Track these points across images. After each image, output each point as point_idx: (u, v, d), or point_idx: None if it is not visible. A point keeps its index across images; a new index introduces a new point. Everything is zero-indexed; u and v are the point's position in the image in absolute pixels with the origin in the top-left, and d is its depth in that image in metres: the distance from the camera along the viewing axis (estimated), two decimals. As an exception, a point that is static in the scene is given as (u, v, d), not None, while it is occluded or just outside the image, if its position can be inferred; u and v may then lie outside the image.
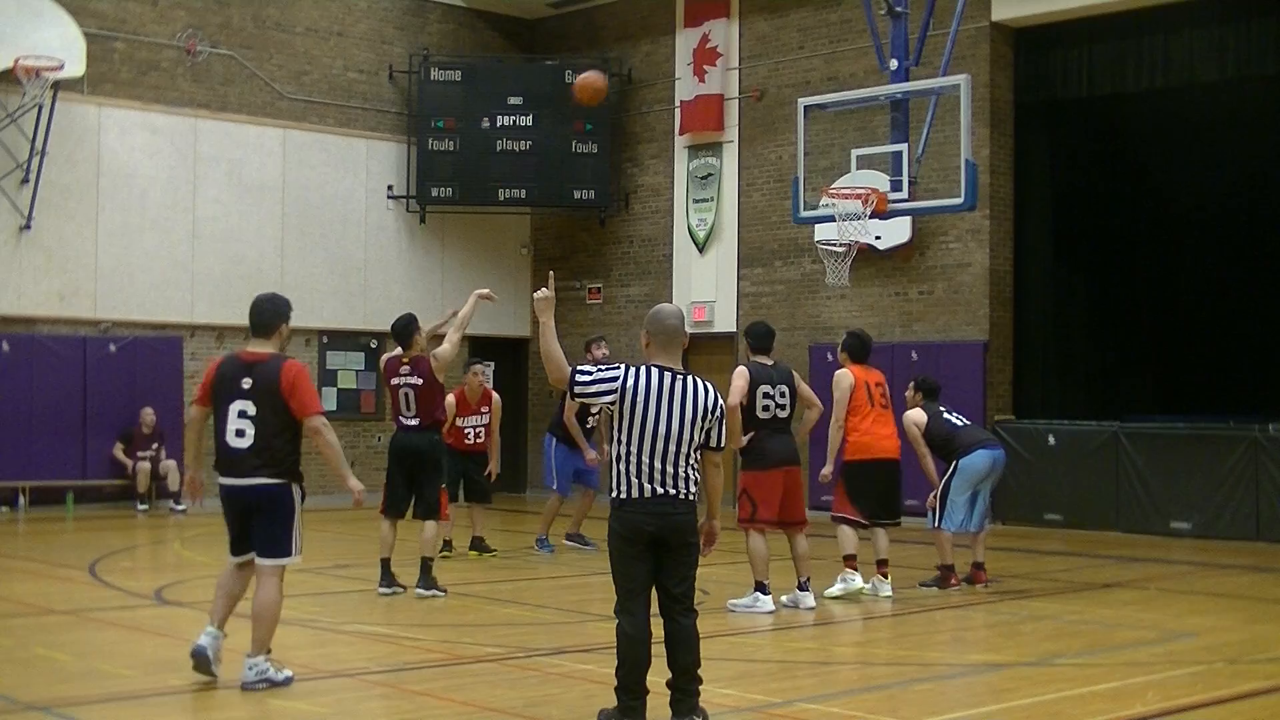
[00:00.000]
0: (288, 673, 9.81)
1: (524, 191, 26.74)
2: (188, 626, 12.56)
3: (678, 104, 26.30)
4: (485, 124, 26.54)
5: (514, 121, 26.60)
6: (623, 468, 8.45)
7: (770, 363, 14.59)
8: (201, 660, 9.65)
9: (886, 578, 14.61)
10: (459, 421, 17.55)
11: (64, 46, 22.43)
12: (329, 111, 26.32)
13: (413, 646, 11.56)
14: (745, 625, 12.79)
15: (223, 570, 10.10)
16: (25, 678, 9.96)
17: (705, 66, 25.80)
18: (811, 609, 13.61)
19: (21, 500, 22.90)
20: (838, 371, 15.26)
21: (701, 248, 25.97)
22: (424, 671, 10.48)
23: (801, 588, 13.79)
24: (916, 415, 15.43)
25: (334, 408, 26.02)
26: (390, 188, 26.92)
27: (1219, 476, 20.18)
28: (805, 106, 19.23)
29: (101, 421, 23.47)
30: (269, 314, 10.03)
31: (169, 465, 23.45)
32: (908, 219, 21.82)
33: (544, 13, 28.59)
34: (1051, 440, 21.80)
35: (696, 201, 26.12)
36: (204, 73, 24.95)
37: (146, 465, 23.28)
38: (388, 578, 14.40)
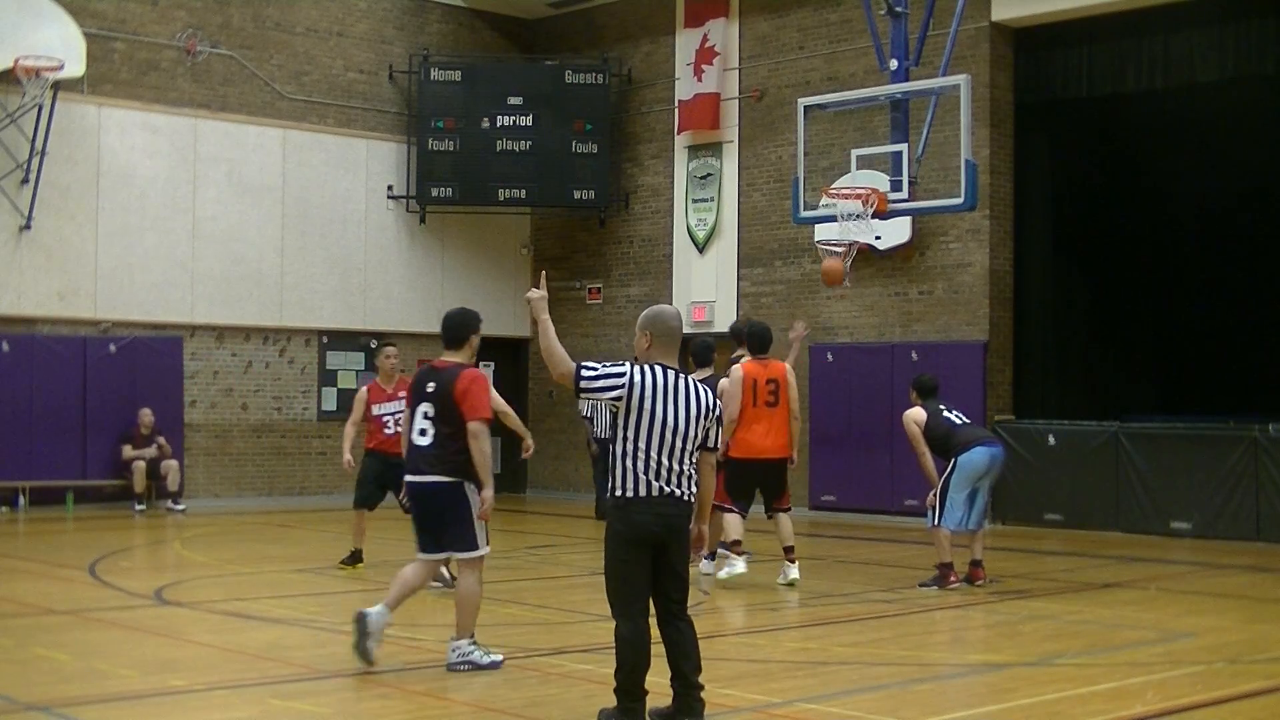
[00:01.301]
0: (495, 656, 10.48)
1: (524, 191, 26.74)
2: (188, 626, 12.59)
3: (677, 104, 26.29)
4: (485, 124, 26.54)
5: (514, 121, 26.59)
6: (629, 464, 8.39)
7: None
8: (360, 622, 10.20)
9: (794, 563, 15.24)
10: (374, 409, 16.14)
11: (64, 46, 22.43)
12: (329, 111, 26.32)
13: (413, 646, 11.55)
14: (744, 625, 12.78)
15: (410, 562, 10.77)
16: (25, 678, 9.96)
17: (704, 66, 25.80)
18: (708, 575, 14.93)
19: (21, 500, 22.91)
20: (733, 367, 15.39)
21: (701, 248, 25.97)
22: (425, 671, 10.47)
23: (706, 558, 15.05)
24: (915, 414, 15.41)
25: (334, 408, 26.05)
26: (390, 188, 26.92)
27: (1219, 476, 20.18)
28: (805, 106, 19.22)
29: (101, 422, 23.48)
30: (458, 327, 10.79)
31: (170, 465, 23.46)
32: (908, 219, 21.82)
33: (544, 13, 28.59)
34: (1051, 440, 21.80)
35: (696, 201, 26.12)
36: (204, 73, 24.95)
37: (143, 465, 23.27)
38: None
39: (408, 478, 10.62)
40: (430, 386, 10.48)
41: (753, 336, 15.44)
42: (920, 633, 12.92)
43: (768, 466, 15.20)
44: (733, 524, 15.06)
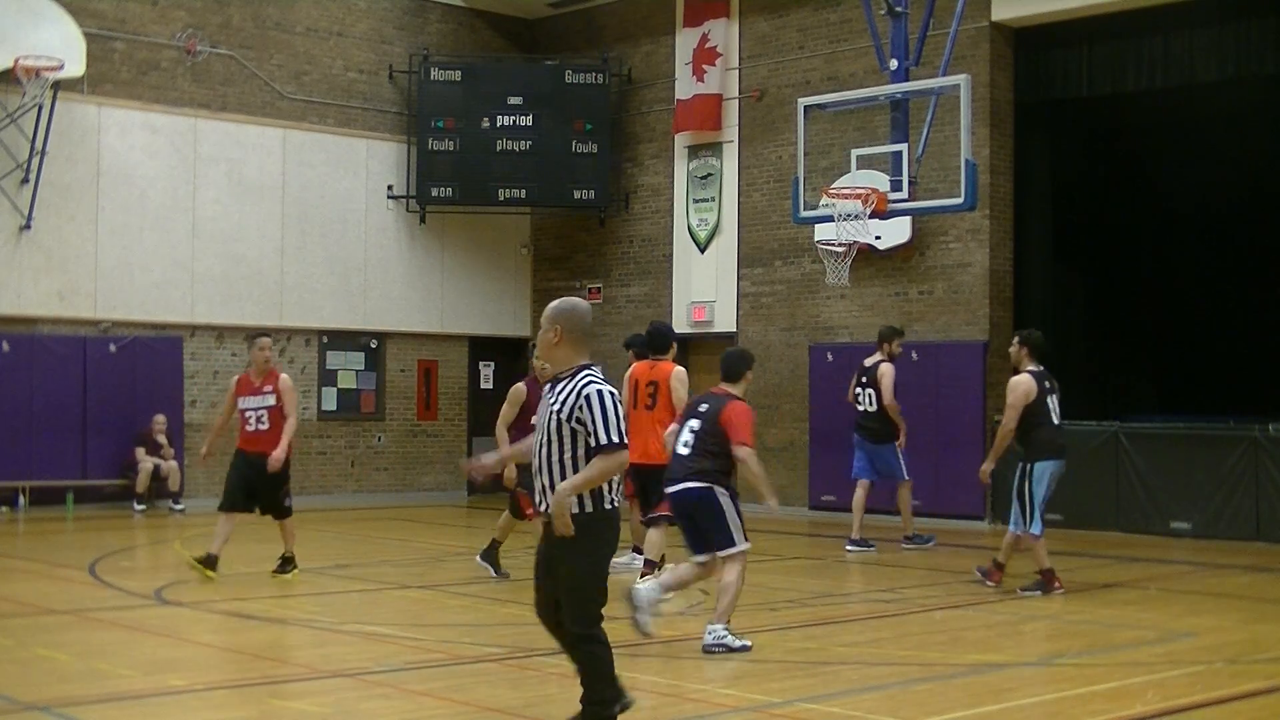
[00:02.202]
0: (745, 641, 11.26)
1: (524, 191, 26.73)
2: (188, 626, 12.60)
3: (676, 104, 26.28)
4: (485, 124, 26.53)
5: (514, 121, 26.58)
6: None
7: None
8: (631, 598, 10.32)
9: (645, 577, 13.78)
10: (240, 403, 15.23)
11: (64, 46, 22.42)
12: (329, 111, 26.32)
13: (413, 646, 11.56)
14: (744, 625, 12.78)
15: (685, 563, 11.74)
16: (25, 677, 9.97)
17: (705, 66, 25.79)
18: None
19: (21, 500, 22.90)
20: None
21: (702, 248, 25.97)
22: (424, 671, 10.48)
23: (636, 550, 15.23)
24: (1028, 385, 14.92)
25: (334, 408, 26.07)
26: (390, 188, 26.91)
27: (1219, 476, 20.17)
28: (805, 106, 19.25)
29: (101, 422, 23.48)
30: (736, 364, 12.17)
31: (170, 466, 23.48)
32: (908, 219, 21.82)
33: (544, 12, 28.59)
34: (1051, 440, 21.77)
35: (697, 201, 26.11)
36: (204, 73, 24.94)
37: (149, 466, 23.31)
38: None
39: (670, 487, 11.75)
40: (703, 407, 11.87)
41: (651, 336, 15.09)
42: (920, 632, 12.92)
43: (644, 472, 14.35)
44: (651, 540, 14.55)
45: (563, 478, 7.93)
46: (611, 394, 7.96)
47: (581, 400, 7.89)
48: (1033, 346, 15.14)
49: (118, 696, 9.48)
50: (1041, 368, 15.21)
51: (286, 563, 15.50)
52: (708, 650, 11.14)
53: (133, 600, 13.93)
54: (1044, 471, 14.82)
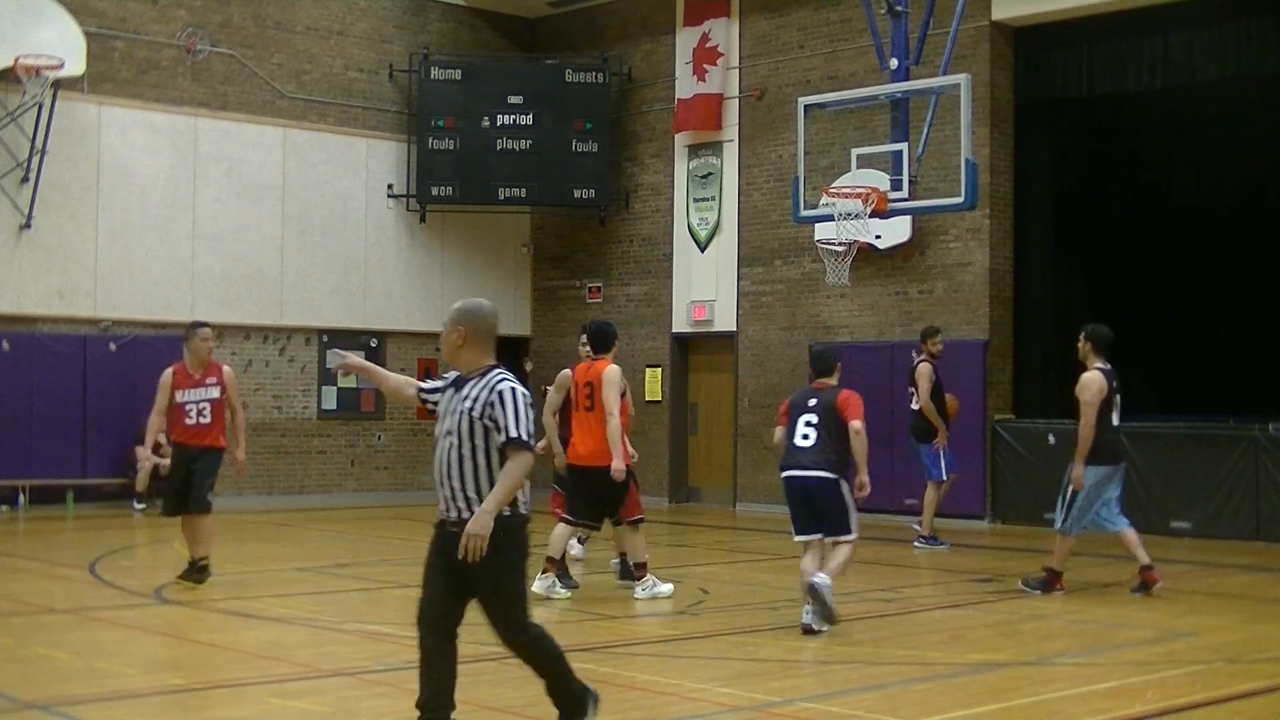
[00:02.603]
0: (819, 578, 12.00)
1: (524, 190, 26.74)
2: (188, 626, 12.60)
3: (676, 103, 26.29)
4: (485, 123, 26.54)
5: (514, 120, 26.59)
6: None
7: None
8: (815, 591, 11.88)
9: (547, 574, 13.99)
10: (177, 396, 14.66)
11: (64, 45, 22.42)
12: (329, 110, 26.32)
13: (413, 645, 11.52)
14: (744, 624, 12.78)
15: (803, 556, 12.53)
16: (26, 676, 9.97)
17: (705, 66, 25.79)
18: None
19: (21, 499, 22.92)
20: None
21: (703, 247, 25.97)
22: (424, 670, 10.46)
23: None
24: (1099, 381, 14.65)
25: (333, 406, 26.07)
26: (390, 187, 26.91)
27: (1219, 476, 20.16)
28: (805, 106, 19.24)
29: (102, 421, 23.47)
30: (830, 361, 13.00)
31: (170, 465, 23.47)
32: (908, 218, 21.82)
33: (544, 11, 28.59)
34: (1052, 440, 21.77)
35: (697, 200, 26.11)
36: (204, 72, 24.95)
37: (149, 465, 23.28)
38: None
39: (791, 473, 12.50)
40: (812, 401, 12.67)
41: (591, 335, 14.49)
42: (920, 632, 12.92)
43: (588, 475, 14.02)
44: (556, 535, 14.14)
45: (475, 478, 7.68)
46: (524, 394, 7.73)
47: (494, 396, 7.66)
48: (1098, 341, 14.85)
49: (118, 695, 9.48)
50: (1109, 365, 15.06)
51: (199, 570, 14.50)
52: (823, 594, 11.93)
53: (133, 599, 13.93)
54: (1099, 476, 14.64)
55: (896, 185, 18.11)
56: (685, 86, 26.10)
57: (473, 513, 7.64)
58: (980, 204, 20.27)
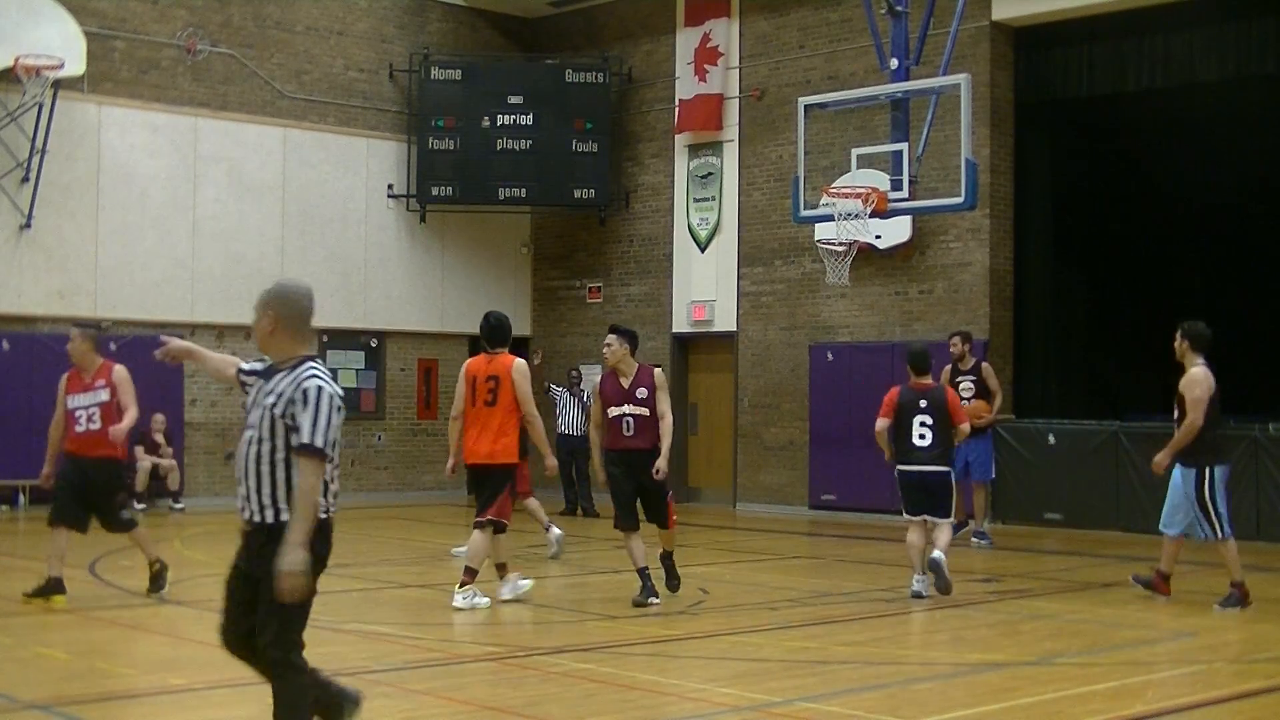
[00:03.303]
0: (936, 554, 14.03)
1: (524, 190, 26.75)
2: (188, 625, 12.60)
3: (677, 103, 26.29)
4: (485, 123, 26.55)
5: (514, 120, 26.60)
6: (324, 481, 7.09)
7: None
8: (937, 565, 14.01)
9: (502, 578, 13.80)
10: (68, 402, 13.54)
11: (64, 45, 22.43)
12: (329, 110, 26.32)
13: (413, 645, 11.56)
14: (744, 624, 12.78)
15: (910, 531, 14.46)
16: (25, 676, 9.97)
17: (706, 66, 25.80)
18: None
19: (21, 499, 22.94)
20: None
21: (703, 247, 25.97)
22: (425, 670, 10.48)
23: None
24: (1208, 378, 13.95)
25: (334, 406, 26.05)
26: (390, 186, 26.92)
27: (1220, 476, 20.14)
28: (805, 106, 19.25)
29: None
30: (928, 360, 14.80)
31: (169, 465, 23.51)
32: (908, 218, 21.82)
33: (544, 11, 28.59)
34: (1052, 439, 21.79)
35: (697, 200, 26.12)
36: (204, 72, 24.95)
37: (147, 465, 23.33)
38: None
39: (911, 468, 14.31)
40: (923, 403, 14.39)
41: (491, 328, 13.92)
42: (920, 632, 12.93)
43: (481, 472, 13.61)
44: (474, 545, 13.58)
45: (271, 481, 6.93)
46: (332, 396, 6.96)
47: (299, 394, 6.90)
48: (1195, 339, 14.21)
49: (118, 695, 9.48)
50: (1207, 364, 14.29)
51: (156, 575, 13.89)
52: (935, 564, 14.01)
53: (132, 599, 13.92)
54: (1223, 476, 14.00)
55: (897, 185, 18.11)
56: (686, 87, 26.10)
57: (265, 519, 6.96)
58: (980, 204, 20.28)
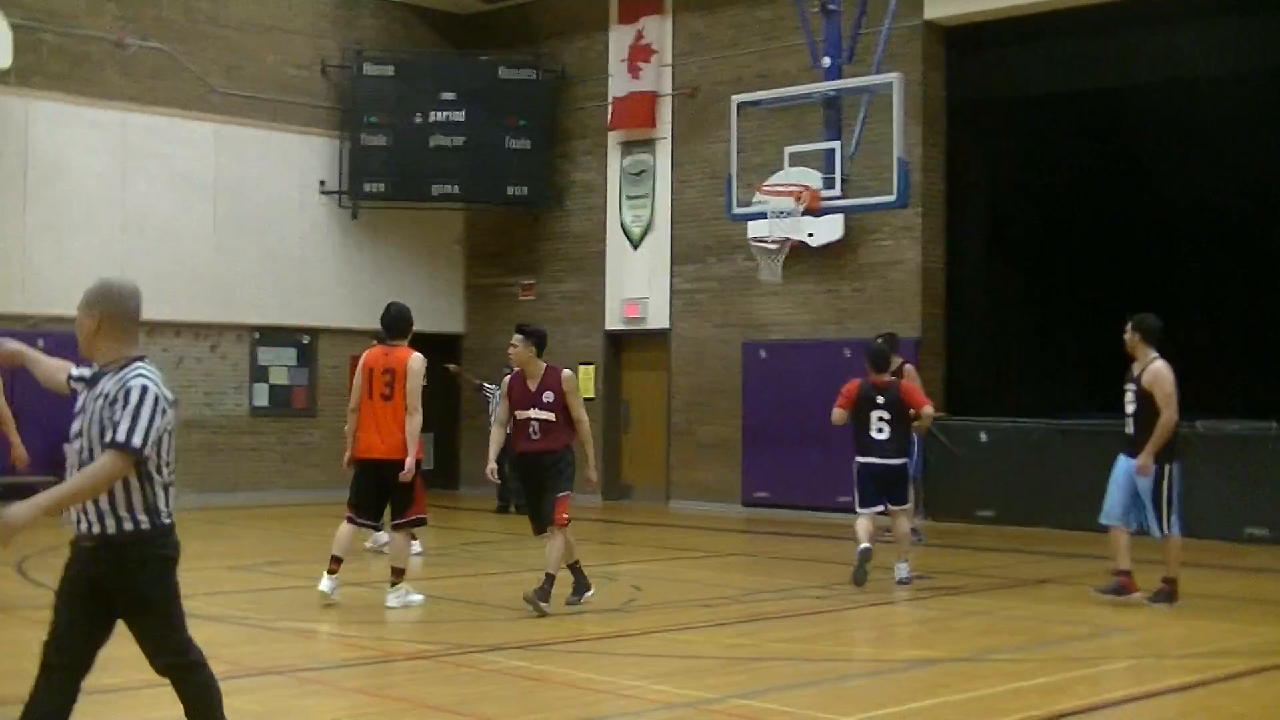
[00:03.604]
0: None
1: (457, 187, 26.68)
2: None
3: (611, 100, 26.28)
4: (418, 119, 26.46)
5: (447, 117, 26.52)
6: (159, 488, 6.76)
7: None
8: (867, 555, 14.57)
9: (395, 586, 13.29)
10: None
11: (-10, 38, 22.23)
12: (261, 106, 26.15)
13: (346, 644, 11.52)
14: (677, 621, 12.79)
15: (859, 522, 14.91)
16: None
17: (639, 63, 25.81)
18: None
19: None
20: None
21: (636, 244, 25.98)
22: (358, 669, 10.45)
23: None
24: (1170, 372, 13.89)
25: (265, 404, 25.94)
26: (323, 183, 26.76)
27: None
28: (738, 104, 19.29)
29: (31, 417, 23.18)
30: (884, 358, 15.42)
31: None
32: (840, 216, 21.88)
33: (477, 8, 28.51)
34: (984, 437, 21.92)
35: (630, 198, 26.12)
36: (135, 66, 24.74)
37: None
38: None
39: (870, 460, 14.96)
40: (881, 399, 15.02)
41: (392, 319, 13.79)
42: (854, 629, 12.98)
43: (378, 468, 13.26)
44: (339, 535, 13.32)
45: (107, 489, 6.55)
46: (158, 397, 6.68)
47: (121, 393, 6.58)
48: (1147, 331, 14.11)
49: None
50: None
51: None
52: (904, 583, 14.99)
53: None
54: (1180, 471, 13.86)
55: (829, 183, 18.17)
56: (620, 84, 26.10)
57: (106, 529, 6.58)
58: (912, 202, 20.33)
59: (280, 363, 26.36)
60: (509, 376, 13.59)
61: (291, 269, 26.34)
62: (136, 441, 6.49)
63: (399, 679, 10.08)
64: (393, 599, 13.15)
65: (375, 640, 11.75)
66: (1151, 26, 21.64)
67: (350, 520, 13.37)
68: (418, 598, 13.33)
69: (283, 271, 26.23)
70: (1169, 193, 23.99)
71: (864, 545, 14.56)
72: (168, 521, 6.74)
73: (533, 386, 13.17)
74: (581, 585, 13.42)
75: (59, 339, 23.23)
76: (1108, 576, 14.08)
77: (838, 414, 15.17)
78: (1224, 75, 21.85)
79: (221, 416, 25.38)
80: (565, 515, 12.97)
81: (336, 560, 13.21)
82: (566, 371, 13.40)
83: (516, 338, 13.55)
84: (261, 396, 25.98)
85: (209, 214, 25.39)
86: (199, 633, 12.00)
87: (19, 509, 6.35)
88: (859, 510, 15.07)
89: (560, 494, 12.97)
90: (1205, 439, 19.84)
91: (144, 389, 6.65)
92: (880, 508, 15.06)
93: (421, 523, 13.67)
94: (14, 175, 23.40)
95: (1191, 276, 24.41)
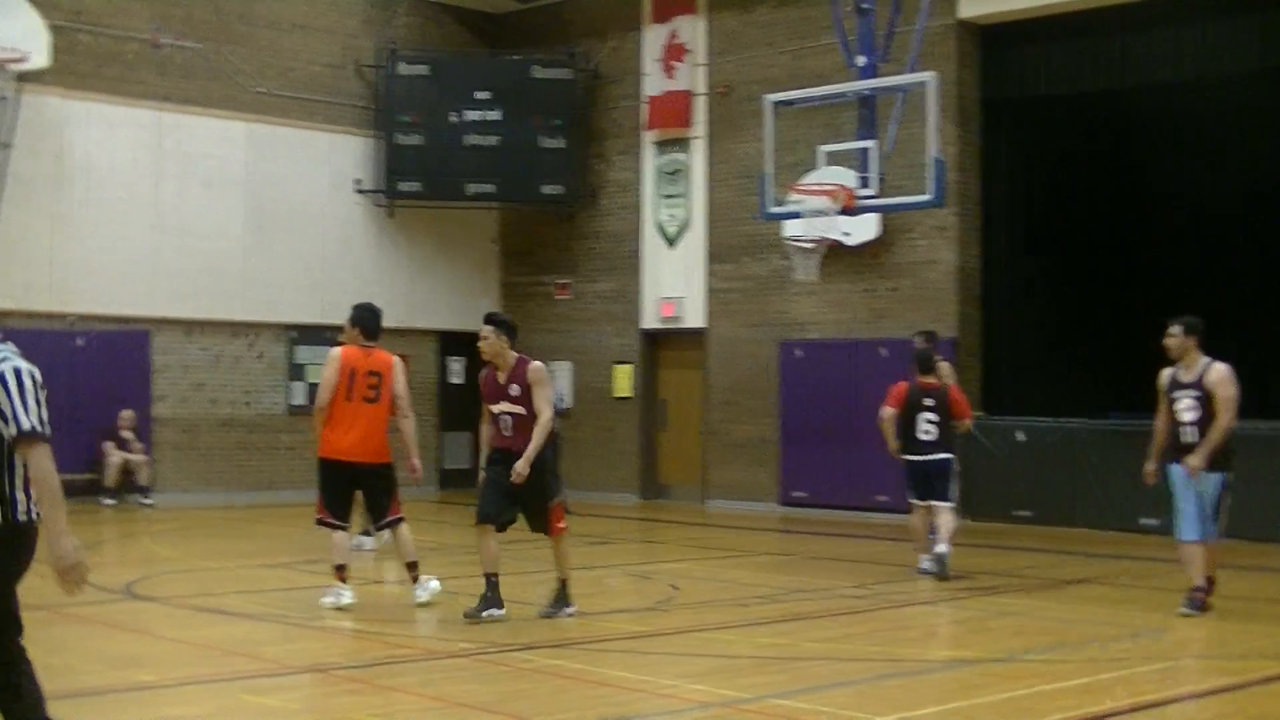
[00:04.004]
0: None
1: (492, 186, 26.73)
2: (158, 622, 12.56)
3: (645, 100, 26.29)
4: (453, 119, 26.51)
5: (481, 116, 26.57)
6: (18, 480, 6.78)
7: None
8: (942, 561, 15.49)
9: (417, 580, 13.27)
10: None
11: (28, 38, 22.29)
12: (294, 105, 26.23)
13: (383, 642, 11.55)
14: (714, 621, 12.79)
15: (913, 514, 15.99)
16: (-7, 674, 9.91)
17: (673, 63, 25.81)
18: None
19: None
20: (330, 350, 13.58)
21: (671, 243, 25.98)
22: (394, 666, 10.47)
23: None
24: (1230, 373, 13.21)
25: (303, 402, 26.00)
26: (358, 181, 26.83)
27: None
28: (772, 103, 19.27)
29: (68, 416, 23.34)
30: (929, 361, 16.00)
31: (139, 461, 23.45)
32: (875, 216, 21.86)
33: (511, 7, 28.55)
34: (1020, 437, 21.86)
35: (665, 197, 26.12)
36: (168, 65, 24.83)
37: (118, 460, 23.28)
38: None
39: (915, 458, 15.75)
40: (929, 401, 15.70)
41: (370, 317, 13.50)
42: (891, 628, 12.95)
43: (357, 471, 13.08)
44: (337, 544, 13.14)
45: None
46: (32, 373, 6.51)
47: None
48: (1198, 333, 13.54)
49: (87, 692, 9.44)
50: None
51: None
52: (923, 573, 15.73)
53: (102, 595, 13.85)
54: (1235, 478, 13.19)
55: (864, 182, 18.16)
56: (655, 84, 26.11)
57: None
58: (948, 202, 20.33)
59: (317, 361, 26.37)
60: (483, 371, 12.81)
61: (326, 268, 26.41)
62: (35, 423, 6.51)
63: (435, 677, 10.10)
64: (420, 593, 13.11)
65: (411, 638, 11.78)
66: (1186, 23, 21.52)
67: (322, 523, 13.18)
68: (436, 584, 13.21)
69: (318, 270, 26.29)
70: (1205, 191, 23.91)
71: (941, 548, 15.51)
72: (21, 520, 6.67)
73: (502, 380, 12.44)
74: (492, 601, 12.49)
75: (94, 338, 23.51)
76: (1184, 591, 13.26)
77: (887, 413, 15.83)
78: (1260, 72, 21.73)
79: (259, 415, 25.46)
80: (562, 524, 12.65)
81: (339, 567, 13.09)
82: (536, 364, 12.55)
83: (486, 328, 12.53)
84: (298, 395, 26.05)
85: (240, 213, 25.47)
86: (235, 629, 12.12)
87: (65, 548, 6.39)
88: (912, 502, 15.94)
89: (550, 503, 12.55)
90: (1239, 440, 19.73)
91: (16, 370, 6.46)
92: (929, 502, 15.78)
93: (401, 521, 13.33)
94: (49, 174, 23.52)
95: (1229, 276, 24.29)
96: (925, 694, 9.89)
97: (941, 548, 15.46)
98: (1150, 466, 13.83)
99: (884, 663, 11.00)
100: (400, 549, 13.31)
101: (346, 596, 12.95)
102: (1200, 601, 13.08)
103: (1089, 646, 11.77)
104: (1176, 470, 13.33)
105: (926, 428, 15.74)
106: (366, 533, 17.22)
